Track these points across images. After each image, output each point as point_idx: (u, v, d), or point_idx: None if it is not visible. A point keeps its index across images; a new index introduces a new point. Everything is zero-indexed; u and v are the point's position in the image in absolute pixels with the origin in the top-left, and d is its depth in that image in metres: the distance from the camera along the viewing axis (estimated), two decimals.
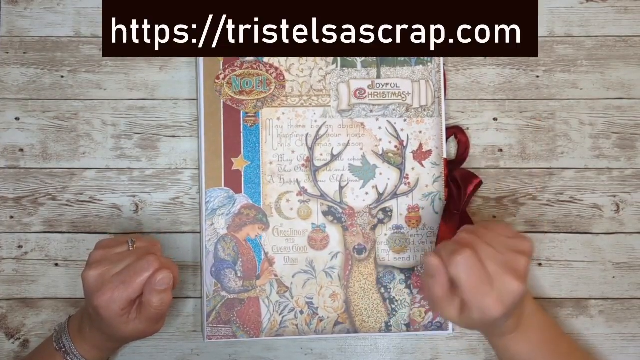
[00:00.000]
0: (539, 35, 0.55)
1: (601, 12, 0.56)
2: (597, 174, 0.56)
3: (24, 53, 0.56)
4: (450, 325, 0.57)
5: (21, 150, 0.56)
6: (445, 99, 0.58)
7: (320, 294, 0.57)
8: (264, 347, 0.57)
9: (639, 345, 0.56)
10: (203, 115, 0.56)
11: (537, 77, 0.56)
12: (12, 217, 0.56)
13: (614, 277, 0.55)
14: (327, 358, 0.58)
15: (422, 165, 0.58)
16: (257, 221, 0.56)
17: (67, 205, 0.57)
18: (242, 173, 0.56)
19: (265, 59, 0.57)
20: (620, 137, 0.55)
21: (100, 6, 0.56)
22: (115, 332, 0.48)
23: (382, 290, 0.57)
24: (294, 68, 0.57)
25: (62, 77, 0.57)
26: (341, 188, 0.57)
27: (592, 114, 0.56)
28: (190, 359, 0.57)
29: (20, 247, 0.56)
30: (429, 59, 0.58)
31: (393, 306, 0.57)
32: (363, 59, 0.58)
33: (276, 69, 0.57)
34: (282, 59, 0.57)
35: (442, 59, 0.58)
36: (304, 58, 0.58)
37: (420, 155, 0.58)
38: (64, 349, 0.50)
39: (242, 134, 0.57)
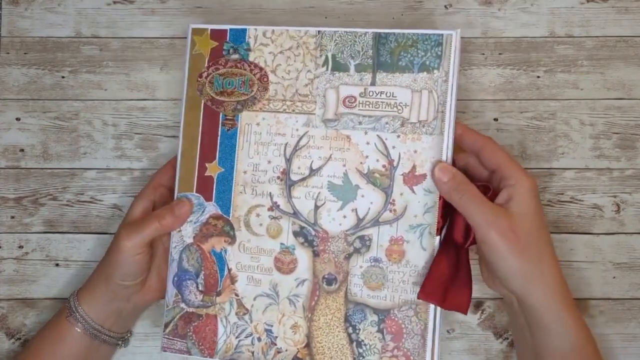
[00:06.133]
0: (540, 35, 0.55)
1: (602, 13, 0.55)
2: (597, 174, 0.55)
3: (25, 53, 0.57)
4: None
5: (22, 150, 0.57)
6: (453, 114, 0.48)
7: (281, 323, 0.51)
8: None
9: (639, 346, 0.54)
10: (183, 115, 0.53)
11: (538, 77, 0.55)
12: (12, 217, 0.57)
13: (614, 278, 0.54)
14: None
15: (413, 191, 0.49)
16: (224, 233, 0.52)
17: (67, 205, 0.57)
18: (215, 180, 0.52)
19: (251, 58, 0.52)
20: (621, 137, 0.55)
21: (101, 6, 0.57)
22: (123, 277, 0.49)
23: (350, 330, 0.49)
24: (280, 69, 0.52)
25: (63, 77, 0.57)
26: (317, 207, 0.50)
27: (592, 114, 0.55)
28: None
29: (20, 247, 0.57)
30: (436, 64, 0.49)
31: (360, 350, 0.49)
32: (357, 62, 0.50)
33: (261, 69, 0.52)
34: (269, 59, 0.52)
35: (453, 62, 0.48)
36: (292, 58, 0.51)
37: (412, 179, 0.49)
38: (72, 315, 0.50)
39: (219, 138, 0.52)
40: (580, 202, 0.55)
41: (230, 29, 0.53)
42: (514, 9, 0.56)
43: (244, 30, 0.52)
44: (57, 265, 0.58)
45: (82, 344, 0.51)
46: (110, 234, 0.57)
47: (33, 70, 0.57)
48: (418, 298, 0.47)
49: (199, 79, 0.53)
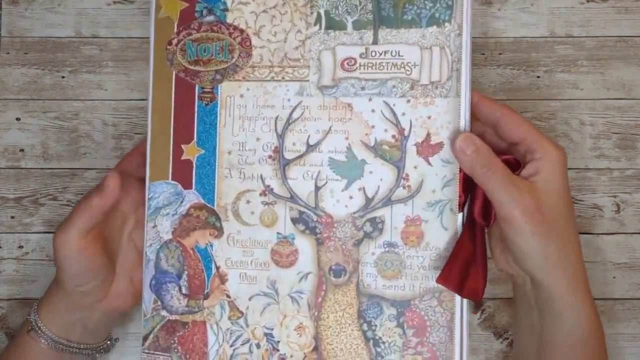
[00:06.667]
0: (540, 35, 0.55)
1: (602, 13, 0.55)
2: (597, 174, 0.54)
3: (25, 53, 0.56)
4: None
5: (22, 150, 0.56)
6: (469, 73, 0.42)
7: (283, 325, 0.44)
8: None
9: None
10: (151, 91, 0.45)
11: (538, 77, 0.54)
12: (12, 217, 0.55)
13: (614, 278, 0.54)
14: None
15: (429, 163, 0.42)
16: (209, 225, 0.44)
17: (68, 205, 0.55)
18: (194, 164, 0.45)
19: (230, 19, 0.44)
20: (621, 137, 0.54)
21: (101, 6, 0.56)
22: (73, 281, 0.44)
23: (365, 327, 0.43)
24: (265, 31, 0.44)
25: (63, 77, 0.56)
26: (317, 189, 0.43)
27: (592, 114, 0.54)
28: None
29: (20, 247, 0.55)
30: (447, 17, 0.42)
31: (378, 349, 0.43)
32: (355, 18, 0.43)
33: (242, 31, 0.44)
34: (251, 19, 0.44)
35: (465, 15, 0.42)
36: (278, 18, 0.44)
37: (427, 149, 0.43)
38: (33, 329, 0.45)
39: (195, 115, 0.45)
40: (580, 202, 0.54)
41: None
42: (514, 9, 0.55)
43: None
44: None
45: (50, 359, 0.45)
46: None
47: (33, 70, 0.56)
48: (437, 282, 0.41)
49: (168, 47, 0.45)
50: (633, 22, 0.55)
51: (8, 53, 0.56)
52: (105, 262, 0.44)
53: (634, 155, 0.54)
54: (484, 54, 0.55)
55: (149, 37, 0.46)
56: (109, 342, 0.48)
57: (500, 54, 0.55)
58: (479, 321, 0.53)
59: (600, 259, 0.54)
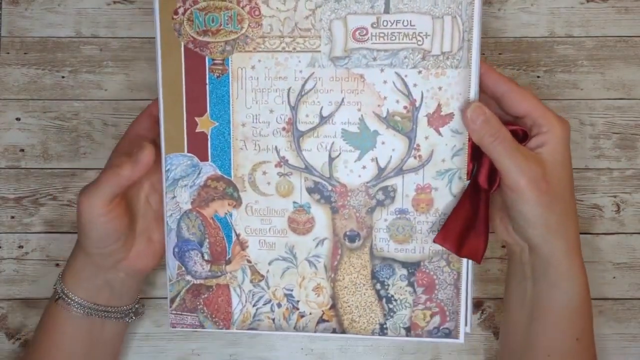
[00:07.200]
0: (540, 35, 0.55)
1: (602, 13, 0.55)
2: (597, 174, 0.54)
3: (25, 53, 0.56)
4: (462, 332, 0.46)
5: (22, 150, 0.56)
6: (479, 43, 0.43)
7: (302, 286, 0.47)
8: (265, 347, 0.55)
9: None
10: (160, 62, 0.45)
11: (538, 77, 0.55)
12: (12, 217, 0.56)
13: (614, 278, 0.54)
14: (327, 358, 0.54)
15: (439, 134, 0.44)
16: (227, 196, 0.46)
17: (68, 205, 0.55)
18: (209, 136, 0.45)
19: None
20: (621, 137, 0.54)
21: (101, 6, 0.55)
22: (96, 243, 0.45)
23: (378, 286, 0.46)
24: None
25: (63, 77, 0.56)
26: (331, 159, 0.45)
27: (592, 114, 0.54)
28: (190, 358, 0.55)
29: (20, 247, 0.56)
30: None
31: (390, 306, 0.46)
32: None
33: (250, 0, 0.43)
34: None
35: None
36: None
37: (438, 119, 0.44)
38: (60, 297, 0.46)
39: (207, 87, 0.45)
40: (580, 202, 0.54)
41: None
42: (514, 9, 0.55)
43: None
44: (57, 265, 0.55)
45: (82, 326, 0.47)
46: None
47: (33, 70, 0.56)
48: (434, 242, 0.44)
49: (175, 17, 0.44)
50: (633, 22, 0.54)
51: (8, 53, 0.56)
52: (126, 224, 0.45)
53: (634, 155, 0.54)
54: (484, 54, 0.54)
55: (152, 25, 0.44)
56: (137, 305, 0.50)
57: (500, 54, 0.54)
58: (479, 321, 0.54)
59: (600, 259, 0.54)
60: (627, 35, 0.55)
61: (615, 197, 0.55)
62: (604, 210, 0.55)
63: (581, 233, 0.51)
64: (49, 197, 0.55)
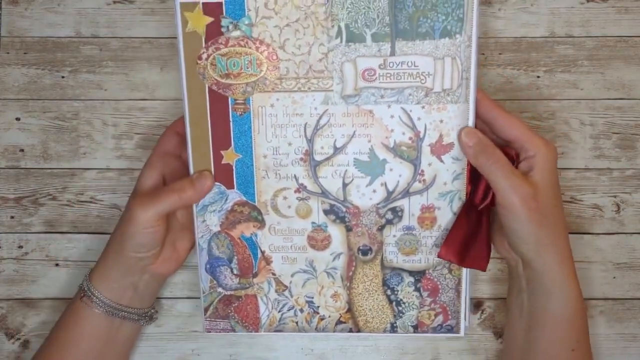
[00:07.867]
0: (540, 35, 0.55)
1: (602, 13, 0.55)
2: (597, 174, 0.55)
3: (25, 53, 0.56)
4: (462, 328, 0.53)
5: (22, 150, 0.56)
6: (475, 80, 0.47)
7: (321, 294, 0.53)
8: (265, 347, 0.57)
9: None
10: (187, 103, 0.49)
11: (538, 77, 0.55)
12: (12, 217, 0.56)
13: (614, 278, 0.55)
14: (327, 358, 0.57)
15: (441, 161, 0.49)
16: (252, 219, 0.52)
17: (67, 205, 0.56)
18: (234, 167, 0.50)
19: (255, 34, 0.47)
20: (621, 137, 0.55)
21: (101, 6, 0.56)
22: (136, 248, 0.48)
23: (389, 292, 0.53)
24: (289, 44, 0.48)
25: (63, 77, 0.56)
26: (345, 185, 0.50)
27: (592, 114, 0.55)
28: (190, 359, 0.57)
29: (20, 247, 0.56)
30: (458, 28, 0.46)
31: (399, 308, 0.53)
32: (374, 30, 0.47)
33: (267, 45, 0.48)
34: (275, 33, 0.47)
35: (474, 28, 0.46)
36: (301, 32, 0.47)
37: (440, 148, 0.49)
38: (86, 295, 0.49)
39: (231, 124, 0.49)
40: (580, 202, 0.54)
41: (226, 1, 0.47)
42: (514, 9, 0.55)
43: (242, 1, 0.47)
44: (57, 265, 0.57)
45: (102, 324, 0.50)
46: (111, 234, 0.55)
47: (33, 70, 0.56)
48: (438, 257, 0.50)
49: (199, 62, 0.48)
50: (633, 22, 0.54)
51: (8, 53, 0.56)
52: (165, 235, 0.49)
53: (634, 155, 0.54)
54: (483, 54, 0.55)
55: (176, 49, 0.47)
56: (152, 310, 0.53)
57: (500, 54, 0.55)
58: (479, 321, 0.55)
59: (600, 259, 0.54)
60: (627, 35, 0.54)
61: (615, 197, 0.54)
62: (604, 210, 0.55)
63: (581, 233, 0.53)
64: (48, 197, 0.56)
